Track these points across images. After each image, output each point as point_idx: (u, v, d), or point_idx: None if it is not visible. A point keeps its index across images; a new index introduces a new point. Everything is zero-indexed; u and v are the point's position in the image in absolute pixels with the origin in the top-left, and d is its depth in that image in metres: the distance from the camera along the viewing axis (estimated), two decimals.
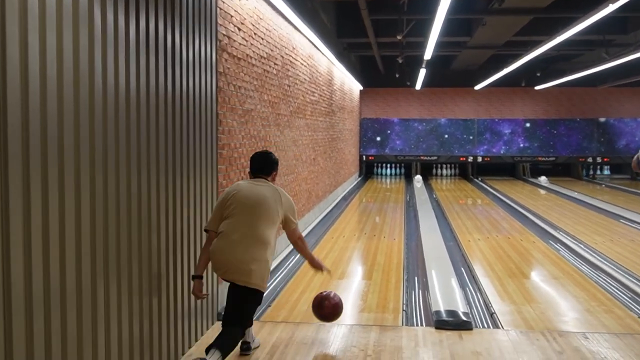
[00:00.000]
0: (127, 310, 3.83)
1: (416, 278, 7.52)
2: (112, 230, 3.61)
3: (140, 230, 4.00)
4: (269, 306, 6.21)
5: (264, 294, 4.70)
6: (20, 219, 2.75)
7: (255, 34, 7.29)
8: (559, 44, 12.10)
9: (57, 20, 3.02)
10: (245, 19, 6.81)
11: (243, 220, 4.46)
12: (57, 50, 3.03)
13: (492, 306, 6.22)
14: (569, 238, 10.19)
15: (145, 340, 4.09)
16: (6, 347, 2.70)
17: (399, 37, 12.03)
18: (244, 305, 4.51)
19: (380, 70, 20.12)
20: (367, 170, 23.91)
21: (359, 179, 22.37)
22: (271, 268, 7.66)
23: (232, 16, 6.28)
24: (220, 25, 5.85)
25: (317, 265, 5.04)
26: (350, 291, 7.06)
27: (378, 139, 23.71)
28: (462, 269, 8.00)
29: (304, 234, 10.41)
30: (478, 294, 6.79)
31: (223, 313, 4.63)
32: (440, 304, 5.99)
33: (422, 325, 5.72)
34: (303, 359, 4.71)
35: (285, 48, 9.14)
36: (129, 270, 3.84)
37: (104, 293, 3.52)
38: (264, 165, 4.79)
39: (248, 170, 4.91)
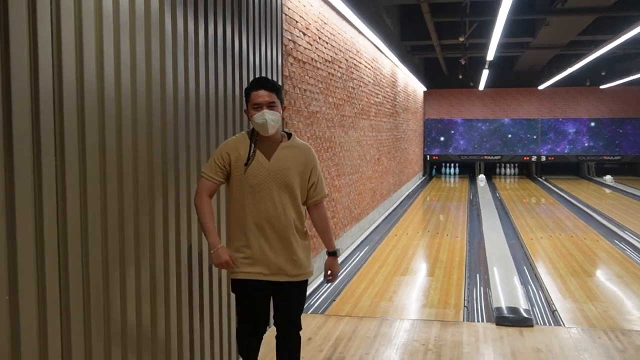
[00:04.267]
0: (187, 300, 3.88)
1: (478, 275, 7.38)
2: (177, 226, 3.66)
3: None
4: (334, 300, 6.21)
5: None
6: (99, 219, 2.82)
7: (319, 38, 7.30)
8: (623, 42, 11.66)
9: (130, 27, 3.08)
10: (310, 24, 6.82)
11: None
12: (131, 55, 3.09)
13: (553, 304, 6.04)
14: (634, 237, 9.80)
15: (205, 334, 4.14)
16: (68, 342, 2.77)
17: (461, 39, 11.85)
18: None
19: (444, 72, 19.85)
20: (431, 169, 23.65)
21: (423, 178, 22.14)
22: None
23: (297, 22, 6.30)
24: (286, 30, 5.88)
25: None
26: (413, 287, 6.98)
27: (442, 139, 23.42)
28: (524, 267, 7.81)
29: (368, 232, 10.47)
30: (540, 291, 6.61)
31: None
32: (501, 301, 5.86)
33: (483, 321, 5.60)
34: (366, 352, 4.68)
35: (350, 51, 9.11)
36: (188, 265, 3.89)
37: (176, 291, 3.58)
38: None
39: None
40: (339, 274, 7.40)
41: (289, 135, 3.41)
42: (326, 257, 3.56)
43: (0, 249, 2.23)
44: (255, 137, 3.29)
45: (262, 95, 3.21)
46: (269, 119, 3.18)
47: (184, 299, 3.69)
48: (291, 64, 6.10)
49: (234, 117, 4.43)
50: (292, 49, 6.12)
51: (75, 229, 2.65)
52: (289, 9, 5.99)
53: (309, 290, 6.40)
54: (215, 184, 3.29)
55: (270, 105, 3.21)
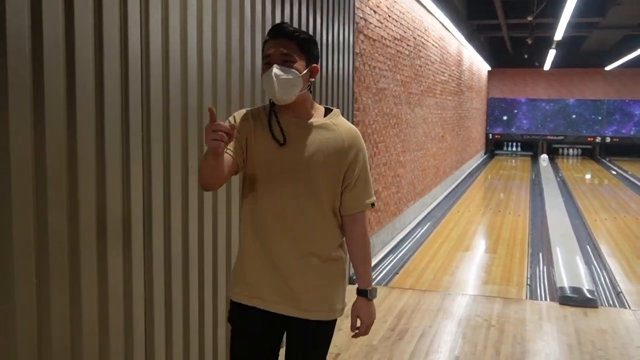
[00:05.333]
0: None
1: (541, 254, 7.24)
2: None
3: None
4: (397, 273, 6.21)
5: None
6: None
7: (389, 16, 7.21)
8: None
9: (212, 11, 3.12)
10: (380, 2, 6.74)
11: None
12: (212, 36, 3.14)
13: (618, 285, 5.88)
14: None
15: None
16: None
17: (529, 19, 11.49)
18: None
19: (509, 51, 19.34)
20: (494, 148, 23.20)
21: (485, 156, 21.74)
22: (399, 239, 7.73)
23: (368, 0, 6.25)
24: (358, 8, 5.83)
25: None
26: (475, 263, 6.91)
27: (505, 118, 22.90)
28: (588, 247, 7.61)
29: (430, 208, 10.40)
30: (604, 272, 6.44)
31: None
32: (564, 280, 5.74)
33: (546, 300, 5.50)
34: (429, 325, 4.68)
35: (418, 30, 8.98)
36: None
37: None
38: None
39: (380, 144, 4.76)
40: (402, 248, 7.41)
41: (328, 112, 2.21)
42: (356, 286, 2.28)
43: (91, 214, 2.32)
44: (274, 107, 2.15)
45: (275, 44, 2.07)
46: (278, 75, 2.02)
47: None
48: (362, 41, 6.06)
49: None
50: (363, 26, 6.08)
51: (158, 201, 2.73)
52: None
53: (372, 263, 6.41)
54: (230, 157, 2.07)
55: (285, 59, 2.05)
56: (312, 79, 2.16)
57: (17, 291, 1.96)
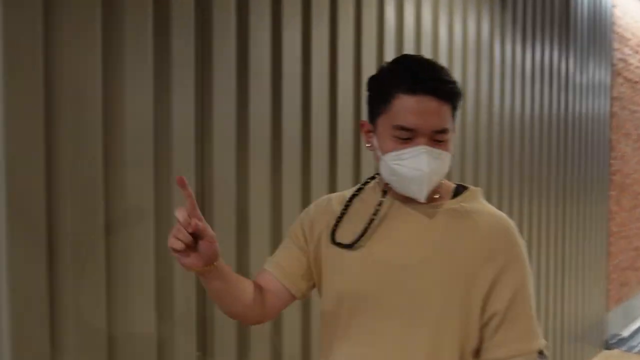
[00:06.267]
0: None
1: None
2: None
3: (529, 251, 3.92)
4: None
5: None
6: None
7: None
8: None
9: (462, 53, 3.17)
10: None
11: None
12: (462, 78, 3.18)
13: None
14: None
15: None
16: None
17: None
18: None
19: None
20: None
21: None
22: None
23: (628, 39, 5.84)
24: (616, 49, 5.48)
25: None
26: None
27: None
28: None
29: None
30: None
31: None
32: None
33: None
34: None
35: None
36: None
37: None
38: None
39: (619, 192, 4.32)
40: None
41: (459, 192, 1.38)
42: None
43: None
44: (383, 192, 1.34)
45: (423, 110, 1.22)
46: (432, 169, 1.24)
47: None
48: (620, 84, 5.67)
49: (558, 138, 4.26)
50: (622, 68, 5.69)
51: None
52: (619, 27, 5.58)
53: (633, 327, 5.84)
54: (274, 279, 1.39)
55: (439, 140, 1.24)
56: None
57: None
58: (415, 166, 1.22)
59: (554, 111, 4.21)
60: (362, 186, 1.42)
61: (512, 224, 1.32)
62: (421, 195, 1.24)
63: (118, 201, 1.60)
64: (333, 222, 1.36)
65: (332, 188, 2.28)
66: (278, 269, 1.38)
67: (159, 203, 1.69)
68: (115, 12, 1.58)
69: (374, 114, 1.28)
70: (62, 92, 1.47)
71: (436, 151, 1.23)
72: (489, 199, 3.35)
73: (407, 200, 1.30)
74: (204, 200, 1.83)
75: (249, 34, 1.96)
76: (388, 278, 1.27)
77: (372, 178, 1.42)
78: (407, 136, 1.22)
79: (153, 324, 1.70)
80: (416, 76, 1.22)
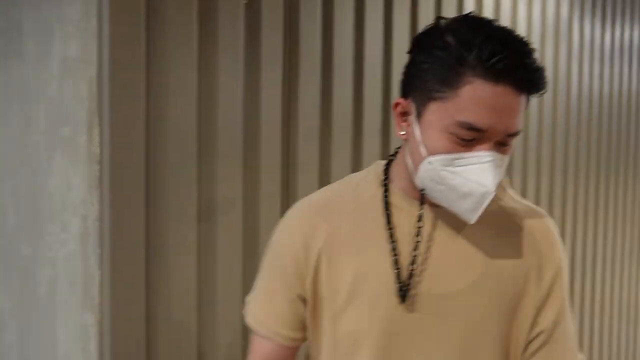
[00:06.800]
0: (599, 311, 3.74)
1: None
2: (594, 232, 3.56)
3: (585, 234, 3.79)
4: None
5: None
6: None
7: None
8: None
9: (541, 33, 3.12)
10: None
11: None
12: (540, 59, 3.13)
13: None
14: None
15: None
16: None
17: None
18: None
19: None
20: None
21: None
22: None
23: None
24: None
25: None
26: None
27: None
28: None
29: None
30: None
31: None
32: None
33: None
34: None
35: None
36: (611, 274, 3.74)
37: (579, 291, 3.50)
38: None
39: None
40: None
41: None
42: None
43: None
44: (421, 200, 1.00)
45: (507, 107, 0.90)
46: (495, 184, 0.93)
47: None
48: None
49: (637, 119, 4.13)
50: None
51: None
52: None
53: None
54: (283, 348, 1.09)
55: (507, 141, 0.94)
56: None
57: None
58: (476, 179, 0.90)
59: (634, 90, 4.09)
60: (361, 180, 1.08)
61: (552, 222, 1.09)
62: (473, 216, 0.94)
63: (209, 191, 1.66)
64: (337, 238, 1.02)
65: None
66: (284, 336, 1.07)
67: (246, 192, 1.75)
68: (210, 14, 1.64)
69: (421, 94, 0.92)
70: (161, 89, 1.53)
71: (501, 158, 0.93)
72: (565, 184, 3.34)
73: (441, 208, 0.99)
74: (289, 189, 1.88)
75: (334, 29, 1.99)
76: (427, 311, 0.99)
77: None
78: (472, 137, 0.89)
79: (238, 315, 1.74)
80: (503, 56, 0.86)
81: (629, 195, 4.01)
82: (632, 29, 4.00)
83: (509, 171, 2.89)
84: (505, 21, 2.84)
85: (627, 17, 3.94)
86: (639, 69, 4.13)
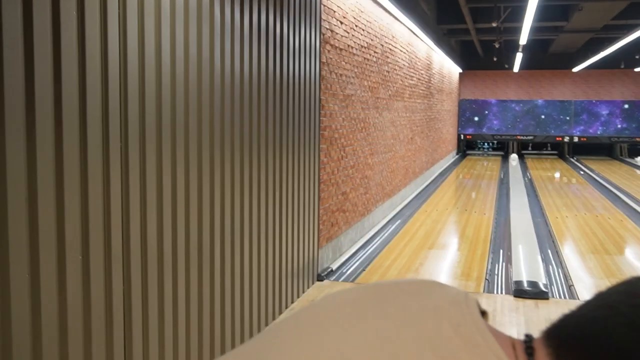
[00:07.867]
0: (239, 269, 4.20)
1: (501, 251, 7.58)
2: (227, 199, 3.97)
3: (250, 200, 4.35)
4: (364, 270, 6.49)
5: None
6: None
7: (356, 26, 7.50)
8: None
9: (184, 16, 3.38)
10: (347, 13, 7.03)
11: None
12: (184, 41, 3.40)
13: (570, 279, 6.23)
14: None
15: (253, 295, 4.47)
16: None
17: (494, 24, 11.87)
18: None
19: (479, 54, 19.79)
20: (465, 148, 23.66)
21: (457, 156, 22.18)
22: (367, 238, 7.99)
23: (334, 11, 6.52)
24: (324, 20, 6.10)
25: None
26: (439, 260, 7.22)
27: (476, 119, 23.37)
28: (547, 244, 7.97)
29: (400, 208, 10.68)
30: (559, 267, 6.79)
31: None
32: (522, 275, 6.07)
33: (501, 293, 5.82)
34: None
35: (385, 37, 9.28)
36: (240, 236, 4.21)
37: (220, 253, 3.90)
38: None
39: (347, 148, 4.92)
40: (370, 245, 7.69)
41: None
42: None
43: (75, 215, 2.56)
44: None
45: None
46: None
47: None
48: (328, 51, 6.33)
49: (274, 97, 4.70)
50: (329, 37, 6.35)
51: (135, 200, 2.98)
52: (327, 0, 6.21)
53: (340, 260, 6.68)
54: None
55: None
56: None
57: (13, 286, 2.22)
58: None
59: (270, 70, 4.63)
60: None
61: None
62: None
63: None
64: None
65: None
66: None
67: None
68: None
69: None
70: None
71: None
72: (211, 154, 3.71)
73: None
74: None
75: None
76: None
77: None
78: None
79: None
80: None
81: (261, 163, 4.56)
82: (267, 13, 4.52)
83: (150, 154, 3.14)
84: (150, 4, 3.03)
85: (263, 2, 4.44)
86: (274, 49, 4.69)
